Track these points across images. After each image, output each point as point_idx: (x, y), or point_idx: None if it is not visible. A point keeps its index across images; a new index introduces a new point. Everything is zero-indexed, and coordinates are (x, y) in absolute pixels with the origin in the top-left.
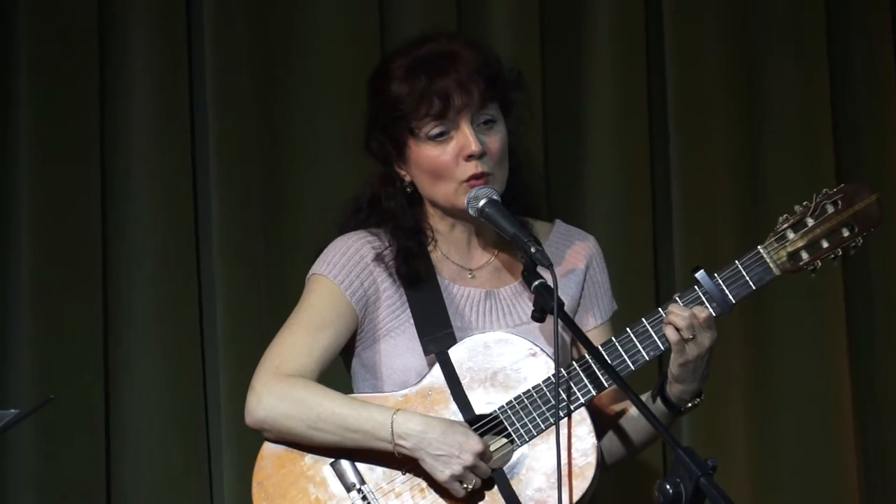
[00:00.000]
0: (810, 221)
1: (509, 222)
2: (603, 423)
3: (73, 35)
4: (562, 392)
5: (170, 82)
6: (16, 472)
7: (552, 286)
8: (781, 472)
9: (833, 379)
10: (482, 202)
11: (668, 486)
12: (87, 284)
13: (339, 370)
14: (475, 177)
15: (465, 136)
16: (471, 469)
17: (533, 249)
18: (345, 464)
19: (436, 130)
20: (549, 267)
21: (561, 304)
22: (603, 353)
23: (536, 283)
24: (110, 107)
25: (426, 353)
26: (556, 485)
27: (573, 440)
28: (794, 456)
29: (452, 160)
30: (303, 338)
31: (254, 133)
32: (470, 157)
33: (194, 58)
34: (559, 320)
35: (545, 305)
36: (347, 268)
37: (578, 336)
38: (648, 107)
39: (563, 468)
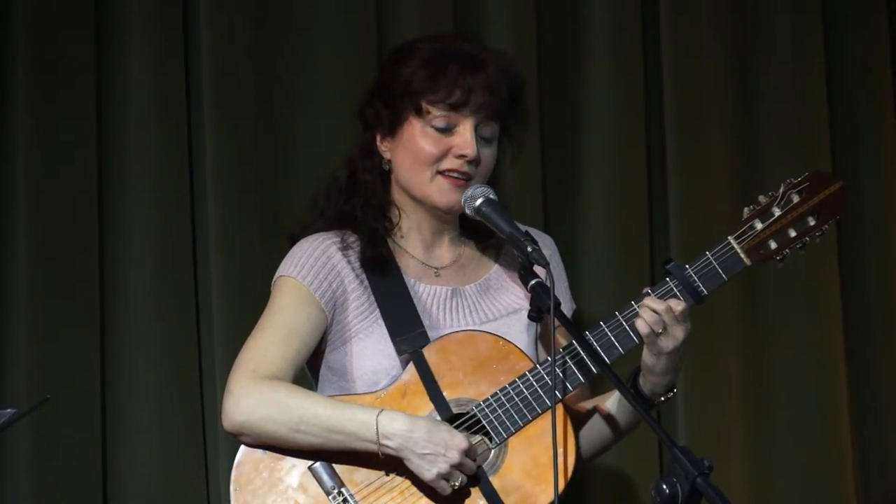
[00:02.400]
0: (777, 211)
1: (505, 222)
2: (577, 420)
3: (70, 34)
4: (540, 389)
5: (167, 81)
6: (12, 471)
7: (549, 285)
8: (778, 471)
9: (829, 377)
10: (479, 201)
11: (664, 486)
12: (83, 284)
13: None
14: (456, 172)
15: (466, 138)
16: (457, 467)
17: (530, 249)
18: (324, 467)
19: (442, 123)
20: (546, 266)
21: (558, 302)
22: (600, 351)
23: (533, 282)
24: (107, 106)
25: (399, 353)
26: (537, 479)
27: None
28: (791, 455)
29: (441, 153)
30: (275, 341)
31: (251, 132)
32: (462, 157)
33: (191, 57)
34: (554, 318)
35: (542, 304)
36: (315, 269)
37: (573, 333)
38: (645, 107)
39: (547, 463)
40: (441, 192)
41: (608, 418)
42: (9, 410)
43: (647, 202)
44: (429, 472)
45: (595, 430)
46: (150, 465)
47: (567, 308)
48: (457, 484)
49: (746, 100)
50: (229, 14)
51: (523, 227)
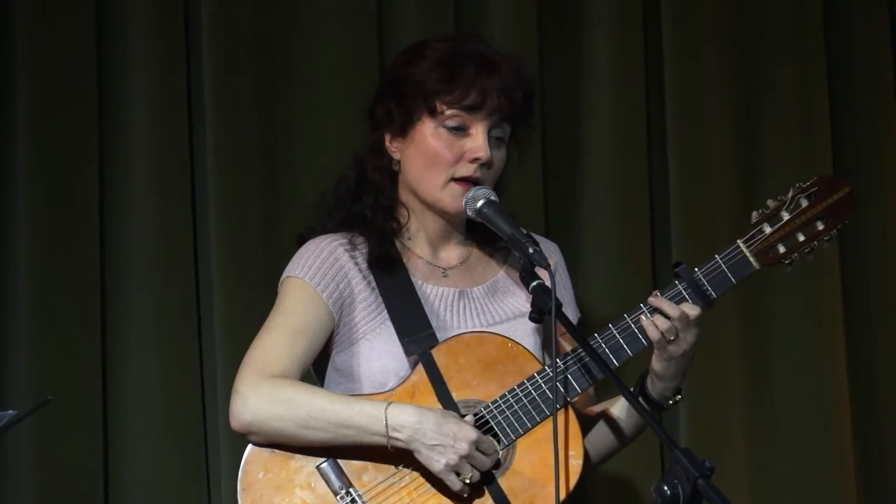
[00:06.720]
0: (786, 215)
1: (507, 223)
2: (585, 424)
3: (71, 34)
4: (548, 391)
5: (168, 81)
6: (13, 473)
7: (549, 287)
8: (779, 472)
9: (831, 379)
10: (480, 202)
11: (665, 488)
12: (84, 285)
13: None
14: (468, 179)
15: (479, 141)
16: (466, 458)
17: (531, 250)
18: (332, 466)
19: (455, 122)
20: (547, 267)
21: (559, 304)
22: (609, 353)
23: (534, 283)
24: (108, 106)
25: (408, 354)
26: (546, 481)
27: (561, 437)
28: (792, 456)
29: (454, 156)
30: (282, 341)
31: (252, 132)
32: (475, 161)
33: (192, 57)
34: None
35: (543, 306)
36: (322, 270)
37: (575, 335)
38: (647, 108)
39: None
40: (453, 198)
41: (616, 423)
42: (9, 412)
43: (648, 204)
44: (438, 463)
45: (603, 434)
46: (151, 467)
47: (572, 316)
48: (468, 478)
49: (747, 101)
50: (230, 13)
51: (526, 233)
